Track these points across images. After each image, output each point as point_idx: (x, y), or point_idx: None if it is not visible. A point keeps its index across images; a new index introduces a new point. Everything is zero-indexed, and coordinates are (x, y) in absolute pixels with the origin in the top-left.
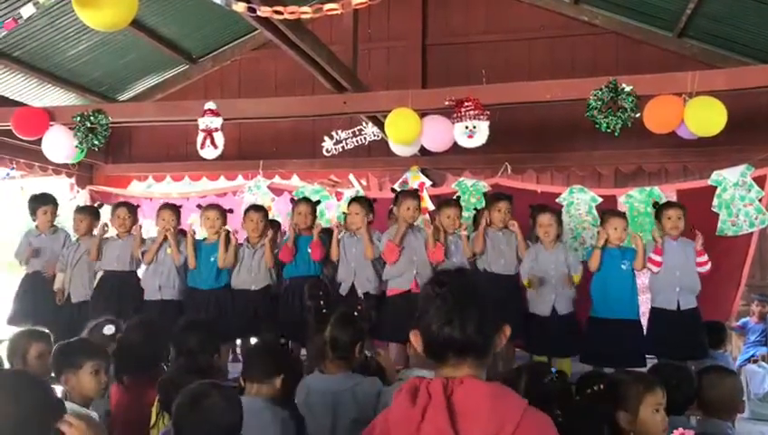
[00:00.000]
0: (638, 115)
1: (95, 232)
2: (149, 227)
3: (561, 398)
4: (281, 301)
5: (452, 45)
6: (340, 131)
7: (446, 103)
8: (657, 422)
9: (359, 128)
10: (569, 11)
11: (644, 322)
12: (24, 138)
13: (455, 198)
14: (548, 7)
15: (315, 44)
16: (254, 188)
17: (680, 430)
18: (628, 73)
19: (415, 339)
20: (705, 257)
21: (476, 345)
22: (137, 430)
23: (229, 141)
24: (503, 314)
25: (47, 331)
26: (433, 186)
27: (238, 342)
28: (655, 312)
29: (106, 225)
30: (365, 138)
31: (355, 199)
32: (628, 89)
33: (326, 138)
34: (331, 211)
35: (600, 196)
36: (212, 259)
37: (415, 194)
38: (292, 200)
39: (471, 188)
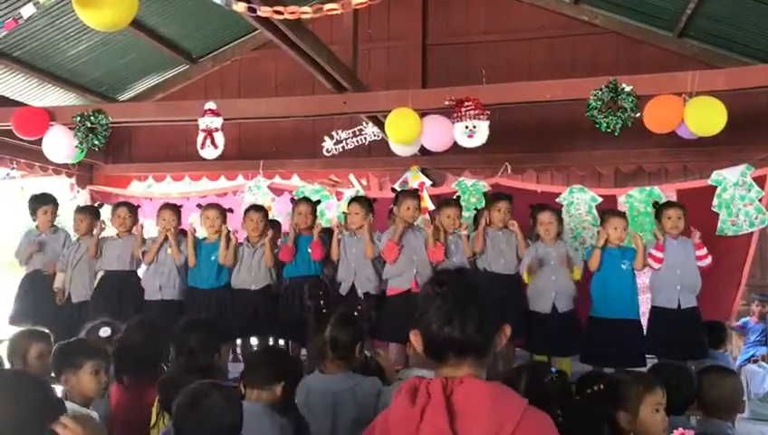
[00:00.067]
0: (638, 115)
1: (95, 232)
2: (150, 226)
3: (561, 398)
4: (281, 301)
5: (452, 45)
6: (340, 131)
7: (446, 103)
8: (657, 422)
9: (359, 128)
10: (569, 11)
11: (644, 322)
12: (25, 138)
13: (455, 197)
14: (548, 7)
15: (315, 44)
16: (254, 188)
17: (680, 430)
18: (628, 73)
19: (415, 339)
20: (705, 251)
21: (476, 345)
22: (137, 430)
23: (229, 141)
24: (503, 314)
25: (47, 331)
26: (433, 186)
27: (238, 341)
28: (655, 311)
29: (103, 222)
30: (365, 138)
31: (355, 199)
32: (628, 89)
33: (326, 138)
34: (332, 211)
35: (600, 195)
36: (212, 258)
37: (415, 194)
38: (292, 200)
39: (471, 187)
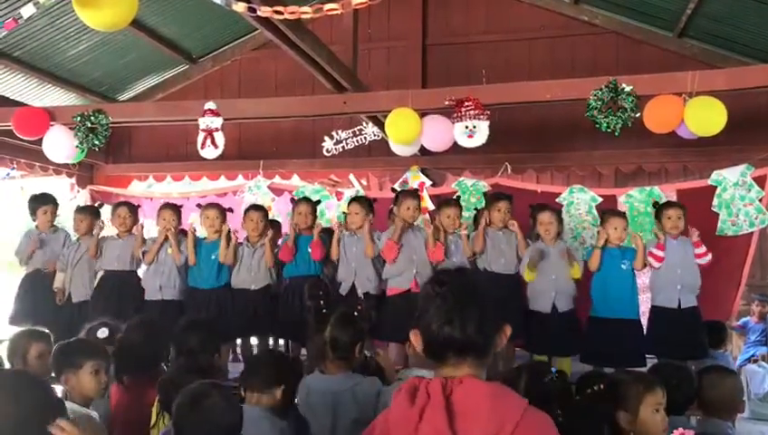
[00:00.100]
0: (638, 115)
1: (95, 232)
2: (150, 226)
3: (561, 398)
4: (281, 301)
5: (452, 45)
6: (340, 131)
7: (446, 103)
8: (657, 422)
9: (359, 128)
10: (569, 11)
11: (644, 321)
12: (25, 138)
13: (455, 197)
14: (548, 7)
15: (315, 44)
16: (254, 188)
17: (680, 430)
18: (628, 73)
19: (415, 339)
20: (704, 249)
21: (476, 345)
22: (137, 430)
23: (229, 141)
24: (503, 314)
25: (47, 331)
26: (433, 186)
27: (238, 341)
28: (656, 311)
29: (102, 221)
30: (365, 138)
31: (355, 199)
32: (628, 89)
33: (326, 138)
34: (332, 211)
35: (600, 195)
36: (212, 257)
37: (415, 194)
38: (292, 200)
39: (471, 187)
